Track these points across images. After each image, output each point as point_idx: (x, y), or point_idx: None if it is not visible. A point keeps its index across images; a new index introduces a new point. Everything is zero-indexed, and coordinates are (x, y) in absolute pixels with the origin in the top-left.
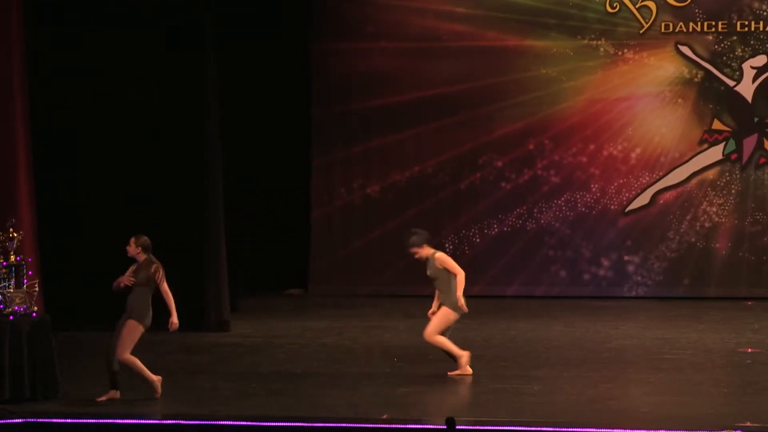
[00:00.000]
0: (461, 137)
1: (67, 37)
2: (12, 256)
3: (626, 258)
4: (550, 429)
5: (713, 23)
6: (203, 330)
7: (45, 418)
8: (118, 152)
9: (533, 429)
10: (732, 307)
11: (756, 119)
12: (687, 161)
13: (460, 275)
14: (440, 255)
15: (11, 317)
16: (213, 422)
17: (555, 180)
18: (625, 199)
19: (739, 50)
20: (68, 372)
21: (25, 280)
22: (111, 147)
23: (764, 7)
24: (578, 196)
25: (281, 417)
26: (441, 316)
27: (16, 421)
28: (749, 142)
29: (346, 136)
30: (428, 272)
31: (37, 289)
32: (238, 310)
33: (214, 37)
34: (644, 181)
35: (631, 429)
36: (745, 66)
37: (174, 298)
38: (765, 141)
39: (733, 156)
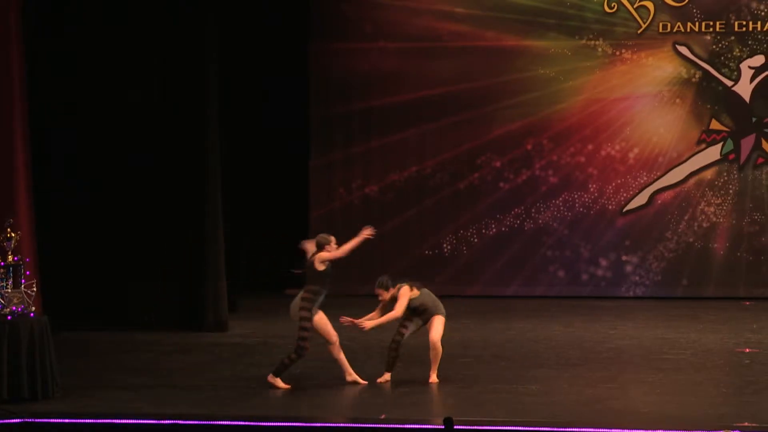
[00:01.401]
0: (460, 137)
1: (66, 36)
2: (10, 256)
3: (624, 258)
4: (549, 429)
5: (711, 23)
6: (202, 330)
7: (44, 418)
8: (116, 152)
9: (532, 429)
10: (730, 307)
11: (754, 119)
12: (685, 161)
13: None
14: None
15: (9, 317)
16: (212, 422)
17: (553, 180)
18: (623, 199)
19: (737, 50)
20: (67, 372)
21: (23, 281)
22: (109, 147)
23: (762, 7)
24: (576, 196)
25: (280, 417)
26: (442, 323)
27: (15, 421)
28: (747, 142)
29: (345, 136)
30: (417, 303)
31: (35, 289)
32: (237, 310)
33: (214, 37)
34: (642, 181)
35: (630, 429)
36: (743, 66)
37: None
38: (763, 141)
39: (731, 156)
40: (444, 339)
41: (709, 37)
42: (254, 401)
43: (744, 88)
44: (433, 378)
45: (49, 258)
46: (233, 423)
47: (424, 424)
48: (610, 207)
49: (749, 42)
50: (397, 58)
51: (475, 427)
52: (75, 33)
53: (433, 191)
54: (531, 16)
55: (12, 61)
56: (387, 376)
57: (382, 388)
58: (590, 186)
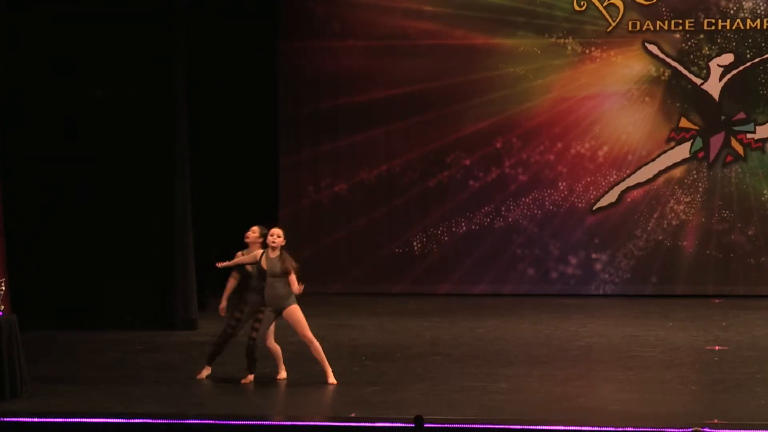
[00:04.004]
0: (429, 136)
1: (36, 29)
2: None
3: (594, 256)
4: (519, 427)
5: (680, 21)
6: (171, 328)
7: (12, 418)
8: (86, 149)
9: (501, 427)
10: (700, 304)
11: (723, 117)
12: (654, 159)
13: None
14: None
15: None
16: (181, 421)
17: (522, 178)
18: (592, 197)
19: (706, 48)
20: (35, 371)
21: None
22: (79, 144)
23: (731, 5)
24: (546, 194)
25: (249, 416)
26: (300, 312)
27: None
28: (716, 141)
29: (314, 135)
30: (269, 267)
31: (3, 288)
32: (207, 308)
33: (181, 35)
34: (612, 179)
35: (599, 427)
36: (712, 64)
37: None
38: (732, 139)
39: (700, 154)
40: (414, 337)
41: (678, 36)
42: (223, 399)
43: (713, 87)
44: (332, 379)
45: (19, 256)
46: (203, 422)
47: (394, 423)
48: (579, 205)
49: (718, 40)
50: (366, 57)
51: (446, 426)
52: (45, 26)
53: (402, 190)
54: (500, 14)
55: None
56: (250, 377)
57: (350, 386)
58: (560, 184)
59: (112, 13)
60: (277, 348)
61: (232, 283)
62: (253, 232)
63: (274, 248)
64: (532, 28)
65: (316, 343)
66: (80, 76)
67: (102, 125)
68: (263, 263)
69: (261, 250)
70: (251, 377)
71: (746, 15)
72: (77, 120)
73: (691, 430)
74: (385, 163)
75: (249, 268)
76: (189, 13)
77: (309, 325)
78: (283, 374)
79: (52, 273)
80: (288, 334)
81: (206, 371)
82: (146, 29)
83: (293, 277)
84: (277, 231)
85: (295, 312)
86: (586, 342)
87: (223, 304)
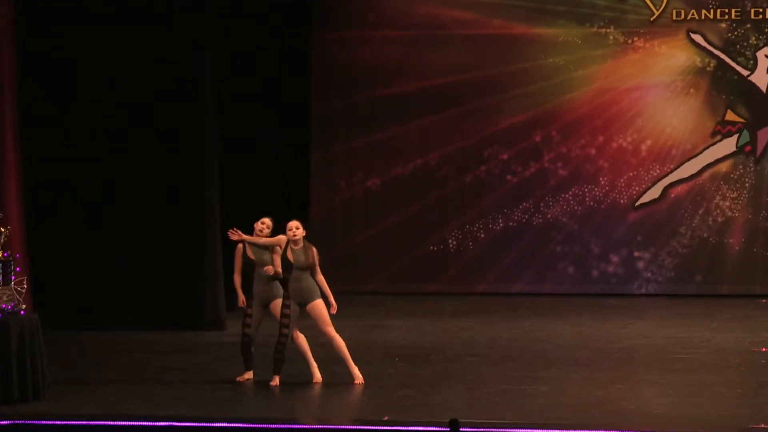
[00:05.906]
0: (466, 129)
1: (57, 27)
2: None
3: (636, 254)
4: (558, 431)
5: (726, 10)
6: (199, 329)
7: (34, 420)
8: (110, 147)
9: (540, 431)
10: (746, 304)
11: None
12: (699, 153)
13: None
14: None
15: None
16: (210, 424)
17: (562, 173)
18: (635, 192)
19: (753, 38)
20: (58, 372)
21: (13, 277)
22: (103, 142)
23: None
24: (586, 189)
25: (279, 419)
26: (324, 308)
27: (4, 423)
28: (764, 134)
29: (347, 128)
30: (295, 258)
31: (25, 286)
32: (236, 308)
33: (213, 27)
34: (655, 174)
35: (641, 431)
36: (760, 55)
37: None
38: None
39: (747, 148)
40: (450, 338)
41: (724, 25)
42: (253, 402)
43: (760, 78)
44: (358, 377)
45: (41, 254)
46: (232, 425)
47: (429, 426)
48: (621, 201)
49: (766, 30)
50: (401, 47)
51: (482, 430)
52: (67, 23)
53: (438, 185)
54: (540, 2)
55: (2, 55)
56: (276, 379)
57: (384, 389)
58: (601, 179)
59: (137, 7)
60: (303, 340)
61: (238, 279)
62: (264, 224)
63: (296, 241)
64: (572, 17)
65: (339, 339)
66: (106, 75)
67: (128, 122)
68: (289, 256)
69: (285, 237)
70: (277, 378)
71: None
72: (105, 118)
73: None
74: (420, 158)
75: (252, 256)
76: (222, 4)
77: (342, 325)
78: (317, 377)
79: (77, 272)
80: (317, 335)
81: (247, 375)
82: (174, 22)
83: (319, 273)
84: (294, 223)
85: (320, 306)
86: (628, 343)
87: (241, 296)
